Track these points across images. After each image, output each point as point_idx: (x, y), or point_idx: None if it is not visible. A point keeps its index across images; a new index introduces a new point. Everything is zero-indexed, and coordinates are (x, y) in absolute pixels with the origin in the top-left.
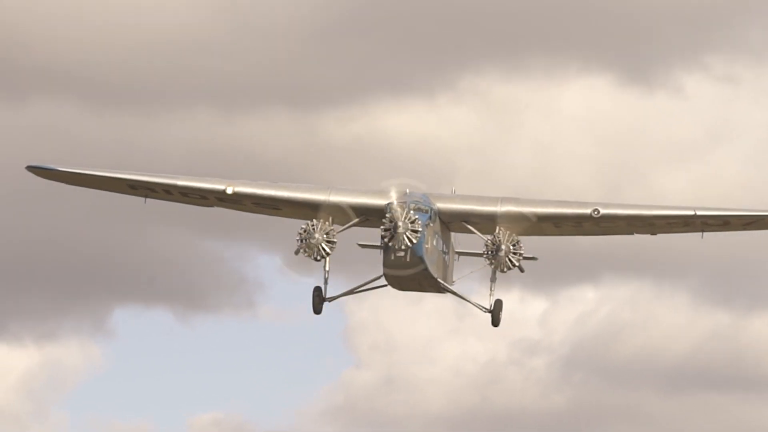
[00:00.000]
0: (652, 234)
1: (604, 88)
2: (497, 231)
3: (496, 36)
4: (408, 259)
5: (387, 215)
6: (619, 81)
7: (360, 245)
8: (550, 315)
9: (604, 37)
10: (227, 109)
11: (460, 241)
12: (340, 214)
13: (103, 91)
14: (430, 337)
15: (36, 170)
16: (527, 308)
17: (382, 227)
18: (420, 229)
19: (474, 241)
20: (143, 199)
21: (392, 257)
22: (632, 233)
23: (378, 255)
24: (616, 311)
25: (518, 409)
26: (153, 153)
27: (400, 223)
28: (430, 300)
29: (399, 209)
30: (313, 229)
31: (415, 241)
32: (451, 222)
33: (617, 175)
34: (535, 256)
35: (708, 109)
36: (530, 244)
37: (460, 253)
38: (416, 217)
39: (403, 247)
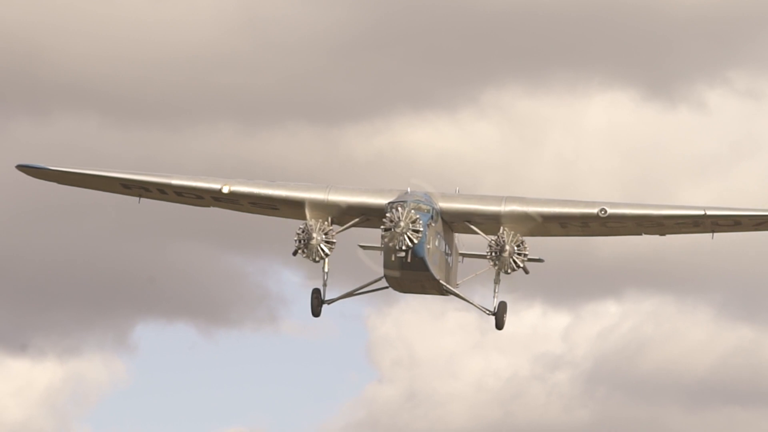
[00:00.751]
0: (661, 235)
1: (627, 102)
2: (501, 231)
3: (518, 51)
4: (409, 260)
5: (387, 215)
6: (641, 95)
7: (361, 246)
8: (573, 329)
9: (627, 52)
10: (250, 123)
11: (464, 242)
12: (340, 213)
13: (126, 106)
14: (452, 351)
15: (26, 169)
16: (550, 322)
17: (382, 227)
18: (421, 229)
19: (479, 242)
20: (137, 198)
21: (392, 258)
22: (641, 234)
23: (379, 256)
24: (639, 326)
25: (541, 424)
26: (176, 168)
27: (401, 223)
28: (452, 315)
29: (399, 208)
30: (312, 229)
31: (416, 241)
32: (454, 222)
33: (640, 189)
34: (542, 258)
35: (730, 124)
36: (539, 246)
37: (464, 255)
38: (417, 216)
39: (403, 247)
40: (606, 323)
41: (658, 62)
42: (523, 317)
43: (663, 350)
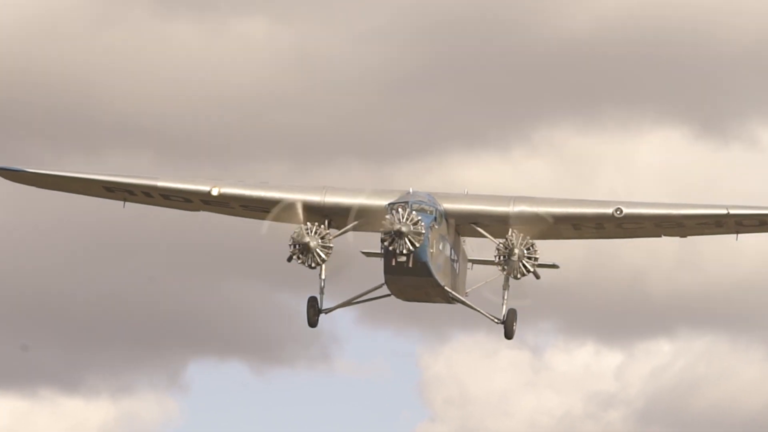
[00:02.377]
0: (682, 236)
1: (679, 140)
2: (510, 234)
3: (570, 88)
4: (410, 265)
5: (387, 216)
6: (694, 133)
7: (364, 253)
8: (626, 368)
9: (679, 89)
10: (302, 162)
11: (474, 247)
12: (337, 216)
13: (178, 145)
14: (505, 389)
15: (4, 172)
16: (602, 360)
17: (381, 230)
18: (423, 232)
19: (490, 247)
20: (122, 202)
21: (393, 263)
22: (660, 236)
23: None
24: (692, 364)
25: None
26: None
27: (401, 226)
28: (505, 352)
29: (400, 210)
30: (307, 233)
31: (417, 244)
32: (460, 224)
33: None
34: (556, 263)
35: None
36: (555, 250)
37: (473, 262)
38: (419, 218)
39: (404, 251)
40: (659, 361)
41: (711, 99)
42: (575, 355)
43: (716, 389)
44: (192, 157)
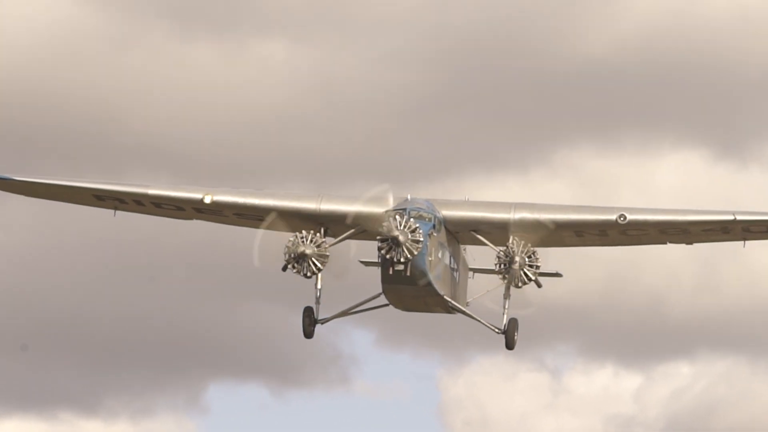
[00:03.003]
0: (688, 243)
1: (699, 161)
2: (511, 241)
3: (589, 110)
4: (408, 274)
5: (384, 224)
6: (713, 155)
7: (362, 263)
8: (645, 390)
9: (698, 111)
10: (321, 184)
11: (475, 256)
12: (333, 224)
13: (197, 168)
14: (524, 411)
15: None
16: (622, 383)
17: (378, 237)
18: (421, 239)
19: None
20: (112, 211)
21: (390, 271)
22: (665, 243)
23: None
24: (712, 386)
25: None
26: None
27: (398, 233)
28: (524, 375)
29: (398, 217)
30: (302, 241)
31: (415, 252)
32: (460, 232)
33: (713, 250)
34: (559, 272)
35: None
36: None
37: (474, 271)
38: (417, 225)
39: (402, 259)
40: (678, 384)
41: (730, 121)
42: (594, 378)
43: (736, 411)
44: (211, 178)
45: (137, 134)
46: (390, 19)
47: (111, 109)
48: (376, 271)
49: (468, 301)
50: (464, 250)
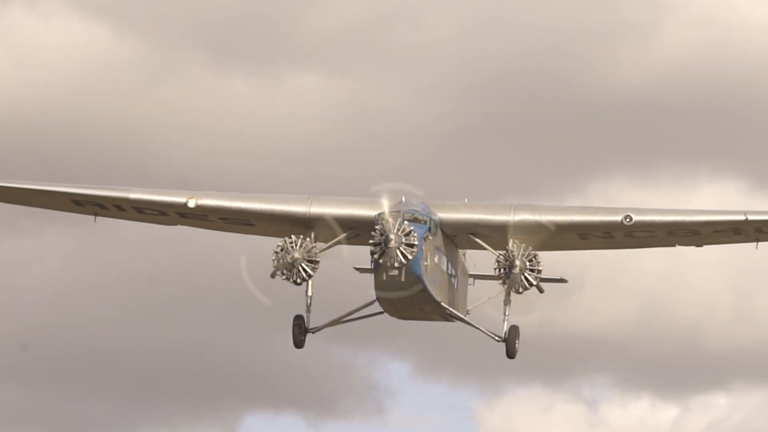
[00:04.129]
0: (698, 246)
1: (734, 193)
2: (511, 244)
3: (625, 142)
4: (403, 279)
5: (377, 227)
6: (749, 186)
7: (357, 269)
8: (682, 422)
9: (734, 143)
10: None
11: (475, 262)
12: (324, 228)
13: None
14: None
15: None
16: (658, 414)
17: (371, 241)
18: (416, 243)
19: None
20: (93, 217)
21: (384, 277)
22: (674, 245)
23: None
24: (749, 418)
25: None
26: None
27: (391, 236)
28: (561, 406)
29: (391, 220)
30: (292, 247)
31: (410, 257)
32: (457, 235)
33: (749, 280)
34: (564, 278)
35: None
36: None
37: (474, 277)
38: (411, 228)
39: (396, 264)
40: (715, 415)
41: (766, 152)
42: (631, 409)
43: None
44: None
45: (173, 166)
46: (425, 50)
47: (147, 142)
48: (370, 278)
49: (468, 309)
50: (463, 255)
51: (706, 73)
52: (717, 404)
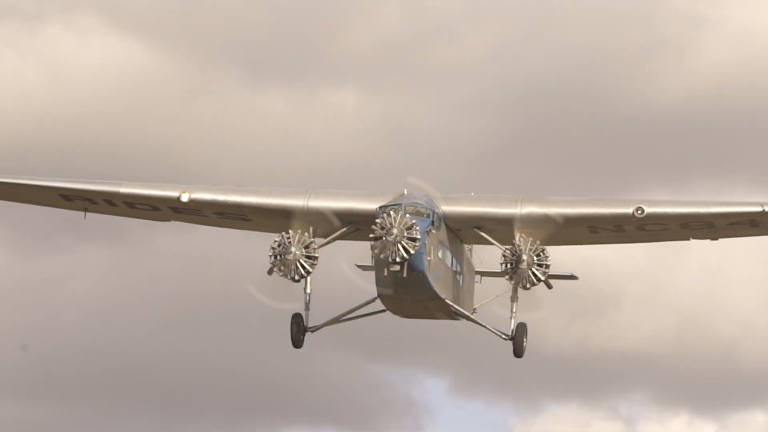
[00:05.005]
0: (713, 239)
1: None
2: (517, 239)
3: (661, 158)
4: (405, 275)
5: (377, 220)
6: None
7: (359, 267)
8: None
9: None
10: None
11: (482, 258)
12: (323, 223)
13: None
14: None
15: None
16: None
17: (371, 236)
18: (418, 237)
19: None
20: (83, 213)
21: (385, 273)
22: (688, 238)
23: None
24: None
25: None
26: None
27: (393, 230)
28: (598, 424)
29: (392, 213)
30: (289, 242)
31: (412, 251)
32: (462, 229)
33: None
34: (574, 274)
35: None
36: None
37: (481, 274)
38: (414, 222)
39: (397, 259)
40: None
41: None
42: (669, 427)
43: None
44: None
45: (208, 182)
46: (460, 67)
47: (182, 158)
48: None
49: (475, 307)
50: (470, 251)
51: (742, 89)
52: (755, 421)
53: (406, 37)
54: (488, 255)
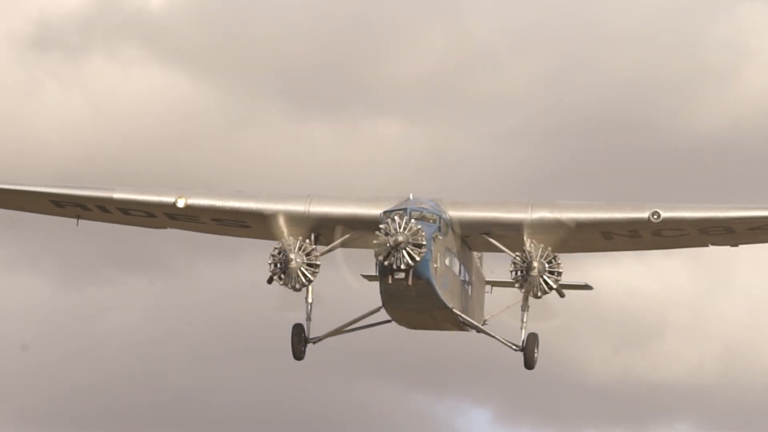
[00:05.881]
0: (733, 245)
1: None
2: (528, 245)
3: (704, 187)
4: (410, 283)
5: (381, 226)
6: None
7: (364, 276)
8: None
9: None
10: None
11: (493, 267)
12: (326, 230)
13: None
14: None
15: None
16: None
17: (375, 242)
18: (424, 243)
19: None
20: (75, 220)
21: (390, 281)
22: (707, 245)
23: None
24: None
25: None
26: None
27: (398, 236)
28: None
29: (397, 218)
30: (290, 249)
31: (418, 258)
32: (470, 236)
33: None
34: (589, 284)
35: None
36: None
37: (492, 284)
38: (419, 227)
39: (402, 266)
40: None
41: None
42: None
43: None
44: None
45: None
46: (503, 97)
47: (224, 188)
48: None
49: (485, 318)
50: (479, 259)
51: None
52: None
53: (449, 67)
54: (499, 265)
